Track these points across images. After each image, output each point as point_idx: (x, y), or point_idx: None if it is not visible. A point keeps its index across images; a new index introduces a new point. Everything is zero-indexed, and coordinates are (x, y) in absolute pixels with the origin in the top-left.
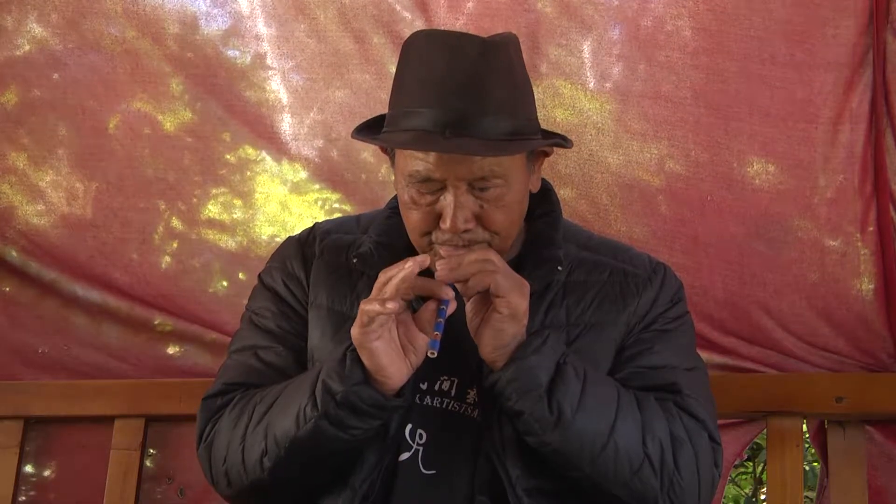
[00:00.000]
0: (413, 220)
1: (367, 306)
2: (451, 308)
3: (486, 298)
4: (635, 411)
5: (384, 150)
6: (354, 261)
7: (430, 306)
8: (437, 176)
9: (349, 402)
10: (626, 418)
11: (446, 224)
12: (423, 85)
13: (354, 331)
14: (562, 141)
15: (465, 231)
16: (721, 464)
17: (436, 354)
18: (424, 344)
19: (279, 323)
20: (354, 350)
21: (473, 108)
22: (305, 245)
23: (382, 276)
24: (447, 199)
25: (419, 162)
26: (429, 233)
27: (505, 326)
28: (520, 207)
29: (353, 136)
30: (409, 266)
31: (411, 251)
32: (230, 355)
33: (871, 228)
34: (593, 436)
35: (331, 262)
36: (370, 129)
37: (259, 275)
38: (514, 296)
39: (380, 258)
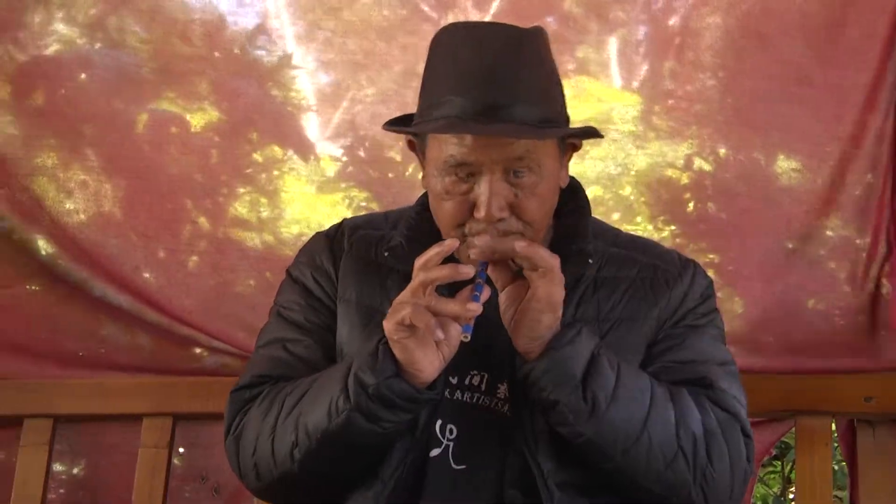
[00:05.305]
0: (446, 211)
1: (415, 314)
2: (485, 294)
3: (521, 289)
4: (668, 403)
5: (412, 148)
6: (386, 255)
7: (464, 294)
8: (473, 159)
9: (381, 396)
10: (659, 410)
11: (481, 213)
12: (456, 74)
13: (388, 325)
14: (594, 130)
15: (500, 220)
16: (753, 458)
17: (469, 338)
18: (457, 334)
19: (307, 316)
20: (386, 343)
21: (506, 95)
22: (334, 240)
23: (425, 274)
24: (481, 187)
25: (454, 147)
26: (462, 224)
27: (541, 316)
28: (551, 198)
29: (385, 128)
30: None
31: None
32: (258, 350)
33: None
34: (627, 427)
35: (360, 258)
36: (398, 126)
37: (287, 269)
38: (553, 275)
39: (410, 253)
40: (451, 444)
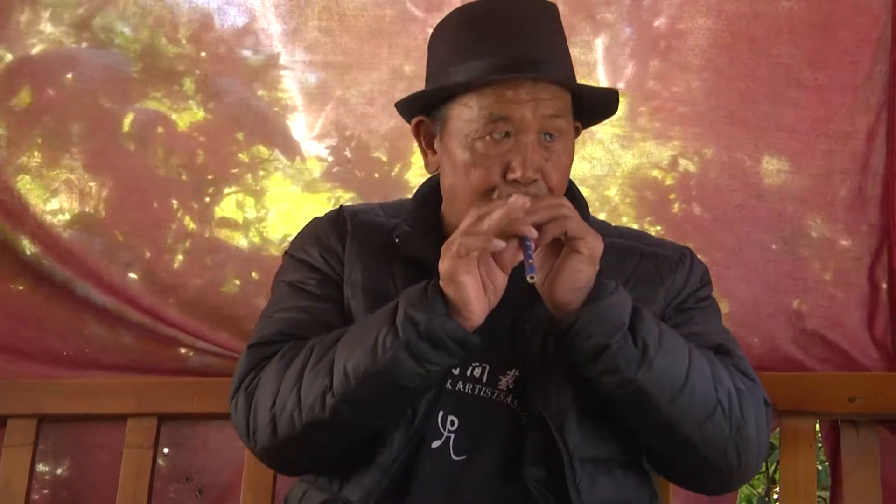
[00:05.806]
0: (474, 179)
1: (468, 239)
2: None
3: (554, 248)
4: (704, 359)
5: (417, 132)
6: (396, 241)
7: (513, 243)
8: (512, 114)
9: (432, 334)
10: (698, 363)
11: (517, 173)
12: (483, 36)
13: (445, 264)
14: (617, 94)
15: (532, 182)
16: (770, 426)
17: (535, 279)
18: (503, 282)
19: (322, 289)
20: (436, 284)
21: (538, 52)
22: (336, 223)
23: (476, 211)
24: (518, 147)
25: (493, 102)
26: (490, 190)
27: (583, 267)
28: (568, 172)
29: (400, 103)
30: (513, 200)
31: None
32: (273, 314)
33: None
34: (673, 375)
35: (365, 241)
36: (405, 104)
37: (288, 252)
38: (592, 237)
39: (419, 240)
40: (452, 435)
